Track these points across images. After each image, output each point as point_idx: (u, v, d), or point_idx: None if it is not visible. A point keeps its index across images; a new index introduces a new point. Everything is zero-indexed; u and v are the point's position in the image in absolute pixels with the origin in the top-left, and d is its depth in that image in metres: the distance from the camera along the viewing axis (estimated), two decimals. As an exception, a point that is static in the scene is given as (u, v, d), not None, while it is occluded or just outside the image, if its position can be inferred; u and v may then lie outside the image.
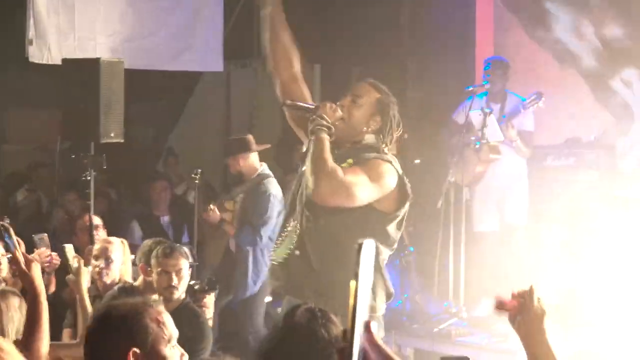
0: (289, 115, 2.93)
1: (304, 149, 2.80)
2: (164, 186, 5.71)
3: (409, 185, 2.70)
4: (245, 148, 4.82)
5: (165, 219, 5.56)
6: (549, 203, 5.03)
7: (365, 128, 2.71)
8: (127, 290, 3.48)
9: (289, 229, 2.83)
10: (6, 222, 2.80)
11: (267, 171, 4.88)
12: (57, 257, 3.60)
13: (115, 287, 3.55)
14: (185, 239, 5.35)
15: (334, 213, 2.61)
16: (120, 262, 3.71)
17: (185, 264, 3.31)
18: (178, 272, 3.26)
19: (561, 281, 4.85)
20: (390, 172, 2.67)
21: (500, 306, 1.58)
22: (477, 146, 4.82)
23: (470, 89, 4.95)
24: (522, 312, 1.57)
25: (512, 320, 1.58)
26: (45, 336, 2.26)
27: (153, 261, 3.39)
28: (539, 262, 4.89)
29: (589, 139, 5.19)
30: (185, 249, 3.57)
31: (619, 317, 4.50)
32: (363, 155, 2.70)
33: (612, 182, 4.92)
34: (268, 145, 5.19)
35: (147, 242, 3.82)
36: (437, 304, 5.09)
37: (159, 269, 3.28)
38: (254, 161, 4.81)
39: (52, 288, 3.73)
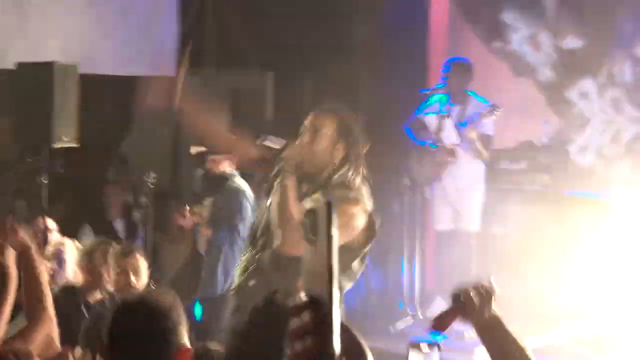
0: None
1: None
2: (116, 191, 5.73)
3: (377, 222, 2.69)
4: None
5: (118, 223, 5.57)
6: (503, 205, 5.14)
7: (329, 158, 2.68)
8: (68, 290, 3.55)
9: (244, 257, 2.87)
10: None
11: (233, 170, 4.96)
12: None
13: (56, 288, 3.51)
14: (138, 242, 5.28)
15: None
16: (74, 264, 3.74)
17: (143, 264, 3.39)
18: (136, 272, 3.35)
19: (515, 282, 4.76)
20: (359, 215, 2.66)
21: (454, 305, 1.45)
22: (433, 149, 4.94)
23: (426, 92, 5.13)
24: (479, 309, 1.46)
25: (468, 318, 1.47)
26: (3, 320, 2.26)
27: (111, 261, 3.46)
28: (493, 262, 4.92)
29: (541, 142, 5.25)
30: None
31: (575, 317, 4.63)
32: (333, 193, 2.63)
33: (564, 184, 5.03)
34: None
35: (89, 241, 3.91)
36: (393, 303, 5.10)
37: (118, 270, 3.36)
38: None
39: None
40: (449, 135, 4.98)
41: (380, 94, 5.48)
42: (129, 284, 3.36)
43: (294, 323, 0.73)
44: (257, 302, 1.41)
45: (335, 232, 0.73)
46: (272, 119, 6.71)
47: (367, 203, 2.67)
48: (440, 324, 1.44)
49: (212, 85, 7.03)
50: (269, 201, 2.72)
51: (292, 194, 2.59)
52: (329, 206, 0.77)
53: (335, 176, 2.66)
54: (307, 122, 2.76)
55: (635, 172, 5.01)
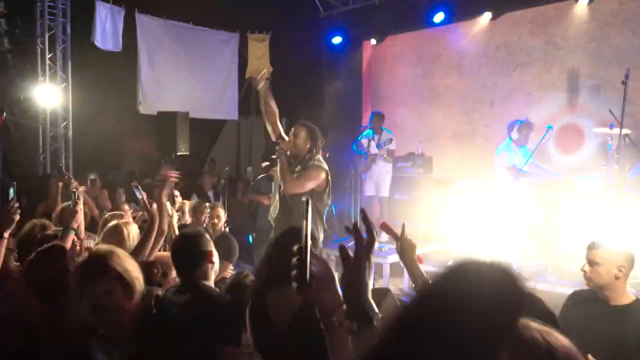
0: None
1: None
2: (208, 176, 9.34)
3: (329, 174, 4.28)
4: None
5: (210, 192, 9.08)
6: (399, 183, 8.61)
7: (304, 148, 4.27)
8: (185, 226, 4.82)
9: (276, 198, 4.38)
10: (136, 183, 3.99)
11: None
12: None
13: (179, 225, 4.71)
14: (220, 202, 9.27)
15: (296, 194, 4.13)
16: (188, 213, 5.29)
17: (222, 213, 4.93)
18: (218, 217, 4.90)
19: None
20: (321, 171, 4.23)
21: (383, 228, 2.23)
22: (365, 156, 7.80)
23: (361, 127, 8.88)
24: (400, 240, 2.30)
25: (397, 248, 2.35)
26: (149, 246, 3.05)
27: (206, 211, 5.01)
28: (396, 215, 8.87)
29: (417, 151, 8.80)
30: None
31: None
32: (307, 163, 4.24)
33: (429, 175, 8.50)
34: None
35: (195, 202, 5.61)
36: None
37: (209, 216, 4.92)
38: None
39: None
40: (373, 150, 7.77)
41: (340, 128, 9.53)
42: (214, 224, 4.84)
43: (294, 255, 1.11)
44: (278, 234, 2.16)
45: (309, 216, 1.09)
46: None
47: (325, 166, 4.20)
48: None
49: (255, 125, 11.40)
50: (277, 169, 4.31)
51: (284, 164, 4.19)
52: (306, 202, 1.12)
53: (307, 156, 4.25)
54: (292, 130, 4.28)
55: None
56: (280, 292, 1.88)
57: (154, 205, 3.14)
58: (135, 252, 2.89)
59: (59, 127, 8.52)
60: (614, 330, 2.60)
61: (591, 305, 2.77)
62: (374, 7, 9.31)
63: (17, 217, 2.68)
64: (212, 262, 2.62)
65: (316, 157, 4.30)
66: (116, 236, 3.14)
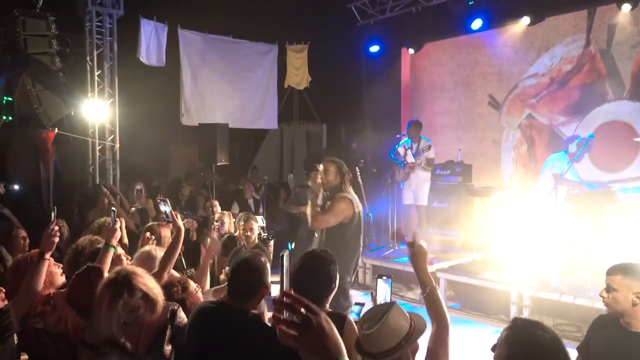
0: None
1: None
2: (249, 185, 9.22)
3: (356, 205, 4.48)
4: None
5: (250, 201, 9.28)
6: (438, 192, 8.61)
7: (334, 181, 4.56)
8: (231, 237, 5.23)
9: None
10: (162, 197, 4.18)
11: None
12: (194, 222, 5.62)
13: (226, 236, 5.31)
14: (260, 211, 9.01)
15: (329, 228, 4.51)
16: (227, 224, 5.53)
17: (255, 225, 4.94)
18: (251, 230, 4.90)
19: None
20: (345, 201, 4.46)
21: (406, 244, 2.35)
22: (402, 164, 7.78)
23: (398, 136, 8.51)
24: (413, 249, 2.33)
25: (410, 255, 2.36)
26: (173, 260, 3.17)
27: (240, 223, 5.03)
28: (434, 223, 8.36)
29: (456, 159, 8.73)
30: (258, 217, 5.19)
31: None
32: (335, 195, 4.51)
33: (468, 184, 8.47)
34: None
35: (239, 214, 5.59)
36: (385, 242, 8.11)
37: (243, 228, 4.96)
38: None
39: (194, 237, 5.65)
40: (410, 158, 7.72)
41: (378, 136, 9.57)
42: (247, 236, 4.84)
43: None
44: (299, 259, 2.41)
45: (285, 271, 1.15)
46: (325, 146, 11.11)
47: (349, 196, 4.47)
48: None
49: (297, 130, 11.62)
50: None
51: (313, 203, 4.53)
52: (282, 257, 1.15)
53: (337, 189, 4.56)
54: (322, 165, 4.61)
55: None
56: None
57: (179, 222, 3.28)
58: (161, 267, 3.09)
59: (106, 140, 8.89)
60: (634, 357, 2.54)
61: (613, 331, 2.72)
62: (411, 15, 9.31)
63: (57, 240, 2.85)
64: (264, 297, 2.60)
65: (345, 189, 4.53)
66: (149, 261, 3.33)
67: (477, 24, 8.60)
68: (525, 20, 8.16)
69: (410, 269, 2.48)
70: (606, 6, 7.60)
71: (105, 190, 6.90)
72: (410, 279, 6.97)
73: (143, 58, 8.88)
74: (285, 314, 1.02)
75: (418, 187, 8.03)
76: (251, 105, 10.47)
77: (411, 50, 9.86)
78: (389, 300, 2.21)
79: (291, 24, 10.19)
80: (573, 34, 8.28)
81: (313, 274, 2.49)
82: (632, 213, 5.79)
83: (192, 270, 4.55)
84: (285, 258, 1.18)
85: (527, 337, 1.81)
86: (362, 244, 4.71)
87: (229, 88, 10.04)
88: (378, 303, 2.25)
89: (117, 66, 8.89)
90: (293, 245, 7.31)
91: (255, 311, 2.57)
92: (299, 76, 10.95)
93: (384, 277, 2.45)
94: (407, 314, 2.12)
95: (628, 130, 7.57)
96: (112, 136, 9.04)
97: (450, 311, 5.87)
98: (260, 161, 11.51)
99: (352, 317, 2.64)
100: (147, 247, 3.57)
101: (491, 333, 5.50)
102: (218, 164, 7.64)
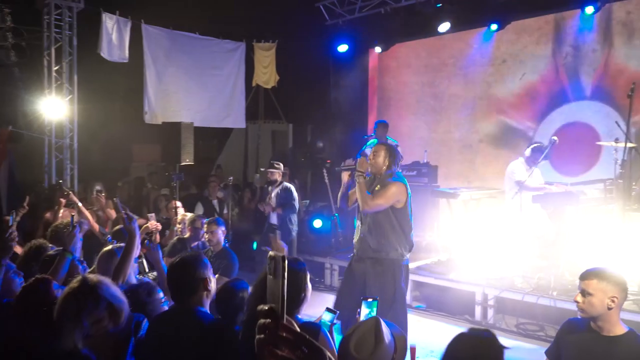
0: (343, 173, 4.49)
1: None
2: (214, 185, 9.04)
3: (409, 188, 4.32)
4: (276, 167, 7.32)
5: (215, 201, 8.99)
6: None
7: (383, 165, 4.34)
8: (181, 239, 5.34)
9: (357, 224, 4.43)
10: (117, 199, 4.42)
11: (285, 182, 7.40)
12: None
13: (175, 238, 5.45)
14: (225, 212, 9.14)
15: (376, 213, 4.26)
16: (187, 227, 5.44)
17: (218, 228, 4.92)
18: (212, 233, 4.92)
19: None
20: (399, 186, 4.27)
21: None
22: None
23: (366, 137, 8.54)
24: None
25: None
26: (129, 265, 3.07)
27: (205, 227, 4.99)
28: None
29: (423, 160, 8.79)
30: (220, 220, 5.08)
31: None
32: (385, 180, 4.31)
33: (434, 185, 8.92)
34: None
35: (191, 215, 5.72)
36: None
37: (207, 230, 4.95)
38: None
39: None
40: None
41: (346, 136, 9.66)
42: (210, 239, 4.90)
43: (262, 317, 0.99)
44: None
45: (285, 274, 0.99)
46: (292, 146, 11.03)
47: (403, 181, 4.29)
48: None
49: (263, 129, 11.54)
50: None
51: (363, 185, 4.23)
52: (282, 259, 1.00)
53: (386, 173, 4.34)
54: (373, 148, 4.43)
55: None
56: None
57: (135, 223, 3.16)
58: (117, 273, 2.97)
59: (64, 139, 8.58)
60: None
61: (585, 335, 2.73)
62: (380, 16, 9.30)
63: (15, 244, 2.72)
64: (208, 290, 2.58)
65: (395, 174, 4.35)
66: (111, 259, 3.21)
67: (444, 26, 8.65)
68: (492, 24, 8.24)
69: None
70: (570, 11, 7.74)
71: (65, 189, 6.61)
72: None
73: (104, 53, 8.61)
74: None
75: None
76: (218, 103, 10.27)
77: (378, 49, 9.85)
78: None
79: (259, 22, 10.08)
80: (537, 37, 8.42)
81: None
82: (593, 215, 5.89)
83: (154, 273, 4.33)
84: (284, 261, 1.00)
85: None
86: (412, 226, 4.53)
87: (195, 86, 9.83)
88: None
89: (77, 62, 8.60)
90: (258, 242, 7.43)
91: (202, 308, 2.56)
92: (267, 74, 10.84)
93: (370, 299, 2.46)
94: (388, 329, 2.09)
95: (589, 132, 7.74)
96: (71, 134, 8.73)
97: (415, 312, 5.83)
98: (224, 160, 11.36)
99: (325, 325, 2.58)
100: (109, 247, 3.43)
101: (456, 334, 5.62)
102: (182, 163, 7.46)
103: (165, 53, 9.48)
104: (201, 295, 2.56)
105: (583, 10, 7.35)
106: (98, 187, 7.74)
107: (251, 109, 11.08)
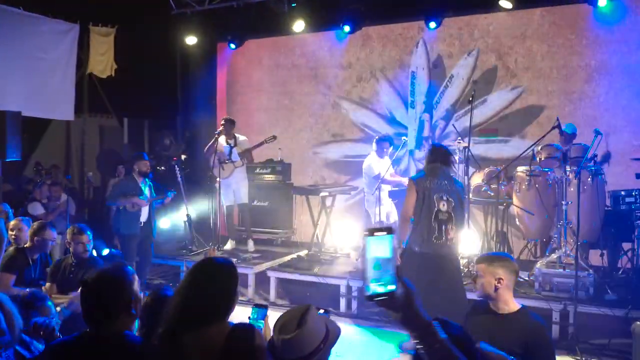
0: None
1: None
2: (47, 185, 8.33)
3: (415, 182, 4.71)
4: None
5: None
6: (258, 192, 9.20)
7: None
8: (20, 249, 4.75)
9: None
10: None
11: None
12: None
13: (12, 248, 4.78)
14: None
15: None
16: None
17: (89, 238, 4.59)
18: (84, 242, 4.57)
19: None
20: (408, 184, 4.84)
21: None
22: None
23: (217, 133, 8.32)
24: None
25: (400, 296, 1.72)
26: None
27: (69, 235, 4.65)
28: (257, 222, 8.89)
29: (277, 158, 9.26)
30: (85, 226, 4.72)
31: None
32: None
33: (288, 182, 9.25)
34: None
35: (37, 222, 4.98)
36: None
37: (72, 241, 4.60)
38: None
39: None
40: (235, 157, 7.67)
41: (195, 132, 9.36)
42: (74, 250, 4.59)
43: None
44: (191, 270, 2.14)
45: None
46: (127, 142, 10.20)
47: (416, 175, 4.92)
48: None
49: (88, 123, 10.45)
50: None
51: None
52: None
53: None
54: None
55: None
56: (200, 334, 1.91)
57: None
58: None
59: None
60: (503, 339, 2.76)
61: (485, 316, 2.98)
62: (232, 10, 9.09)
63: None
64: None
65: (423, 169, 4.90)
66: None
67: (298, 26, 8.80)
68: (345, 27, 8.58)
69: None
70: (416, 22, 8.43)
71: None
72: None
73: None
74: None
75: (238, 186, 7.96)
76: (45, 91, 8.96)
77: (233, 46, 9.62)
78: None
79: (97, 3, 9.12)
80: (383, 45, 9.01)
81: (210, 288, 2.08)
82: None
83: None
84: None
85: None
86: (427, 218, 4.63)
87: (19, 69, 8.51)
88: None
89: None
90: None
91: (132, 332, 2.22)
92: (103, 63, 9.85)
93: (260, 306, 2.55)
94: (322, 317, 2.14)
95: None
96: None
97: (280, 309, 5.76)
98: (40, 157, 9.92)
99: (255, 323, 2.54)
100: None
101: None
102: (8, 159, 6.58)
103: (-21, 28, 8.08)
104: (125, 319, 2.19)
105: (427, 24, 8.05)
106: None
107: (76, 101, 9.59)
